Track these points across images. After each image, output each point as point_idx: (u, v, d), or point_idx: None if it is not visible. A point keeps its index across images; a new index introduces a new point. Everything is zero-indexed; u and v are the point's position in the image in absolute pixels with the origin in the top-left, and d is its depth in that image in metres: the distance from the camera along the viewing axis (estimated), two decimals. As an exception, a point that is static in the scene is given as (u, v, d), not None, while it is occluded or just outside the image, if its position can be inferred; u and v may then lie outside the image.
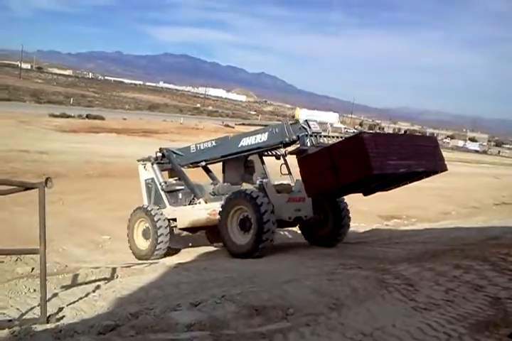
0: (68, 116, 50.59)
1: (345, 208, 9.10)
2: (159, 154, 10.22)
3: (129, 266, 7.93)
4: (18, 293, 5.35)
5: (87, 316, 4.50)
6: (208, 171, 10.56)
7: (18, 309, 4.82)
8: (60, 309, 4.82)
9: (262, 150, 8.78)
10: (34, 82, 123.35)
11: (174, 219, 9.72)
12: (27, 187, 4.70)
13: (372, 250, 8.55)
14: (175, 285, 5.74)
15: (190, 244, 10.71)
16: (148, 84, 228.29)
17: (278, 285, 4.43)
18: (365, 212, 18.71)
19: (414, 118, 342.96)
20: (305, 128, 7.85)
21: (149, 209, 9.71)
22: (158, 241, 9.30)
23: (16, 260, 9.08)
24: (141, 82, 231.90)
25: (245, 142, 8.61)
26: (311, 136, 7.77)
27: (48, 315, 4.34)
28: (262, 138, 8.33)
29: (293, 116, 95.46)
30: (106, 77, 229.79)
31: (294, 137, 7.91)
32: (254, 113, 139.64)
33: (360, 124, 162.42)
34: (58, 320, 4.40)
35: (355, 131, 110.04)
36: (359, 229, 13.67)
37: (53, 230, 11.68)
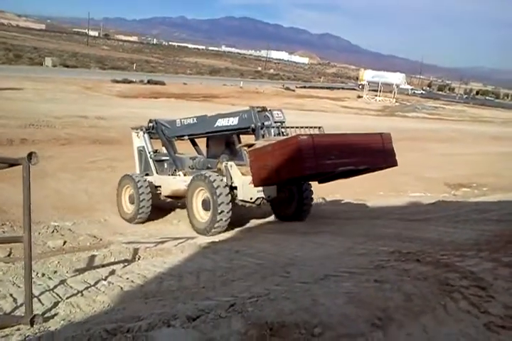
0: (130, 82, 50.88)
1: (308, 188, 9.45)
2: (150, 124, 10.65)
3: (161, 242, 7.32)
4: (24, 277, 4.78)
5: (78, 317, 3.86)
6: (194, 144, 10.93)
7: (14, 300, 4.27)
8: (56, 304, 4.22)
9: (234, 133, 9.17)
10: (101, 48, 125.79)
11: (160, 186, 10.34)
12: (9, 163, 3.98)
13: (435, 230, 7.36)
14: (195, 275, 5.01)
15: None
16: (211, 49, 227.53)
17: (309, 287, 3.54)
18: (432, 179, 17.35)
19: (486, 78, 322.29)
20: (268, 117, 8.26)
21: (134, 176, 10.30)
22: (141, 206, 9.84)
23: (53, 231, 8.73)
24: (203, 47, 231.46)
25: (220, 123, 9.01)
26: (273, 127, 8.21)
27: (34, 314, 3.70)
28: (234, 121, 8.71)
29: (357, 78, 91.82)
30: (170, 43, 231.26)
31: (259, 124, 8.25)
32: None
33: (429, 85, 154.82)
34: (46, 320, 3.77)
35: (423, 92, 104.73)
36: (423, 201, 12.44)
37: (98, 198, 11.42)
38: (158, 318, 2.90)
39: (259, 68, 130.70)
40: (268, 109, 8.58)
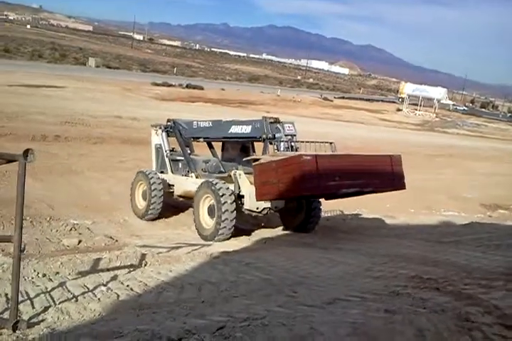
0: (169, 85, 51.42)
1: (316, 200, 9.28)
2: (168, 124, 10.72)
3: (175, 248, 7.09)
4: (23, 277, 4.62)
5: (64, 325, 3.62)
6: (210, 147, 11.12)
7: (7, 300, 4.07)
8: (46, 309, 4.01)
9: (246, 140, 9.30)
10: (144, 52, 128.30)
11: (173, 185, 10.40)
12: (6, 159, 3.81)
13: (463, 254, 6.85)
14: (197, 287, 4.73)
15: (262, 224, 9.92)
16: (252, 56, 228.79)
17: (313, 311, 3.22)
18: (468, 198, 16.67)
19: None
20: (280, 130, 8.25)
21: (147, 173, 10.34)
22: (152, 202, 9.91)
23: (71, 229, 8.64)
24: (244, 54, 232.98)
25: (233, 129, 9.04)
26: (282, 141, 8.19)
27: (17, 319, 3.50)
28: (247, 129, 8.74)
29: (397, 91, 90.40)
30: (212, 49, 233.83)
31: (270, 135, 8.25)
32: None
33: (472, 102, 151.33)
34: (31, 326, 3.56)
35: (465, 108, 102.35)
36: (455, 221, 11.85)
37: (121, 198, 11.33)
38: (139, 337, 2.65)
39: (299, 77, 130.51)
40: (280, 121, 8.51)
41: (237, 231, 9.26)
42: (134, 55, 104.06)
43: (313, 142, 8.26)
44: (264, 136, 8.34)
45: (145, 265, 5.74)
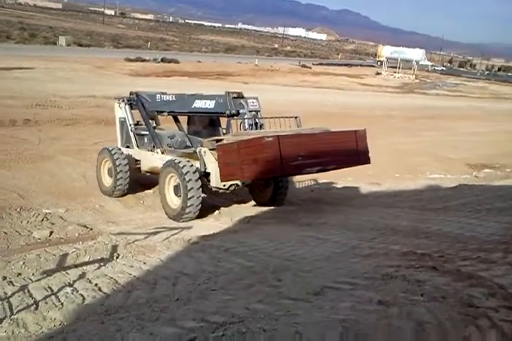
0: (143, 60, 50.06)
1: None
2: (131, 96, 10.33)
3: (153, 233, 6.68)
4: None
5: (20, 340, 3.23)
6: (176, 120, 10.90)
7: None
8: (0, 321, 3.59)
9: (211, 115, 9.17)
10: (116, 27, 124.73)
11: (139, 161, 10.17)
12: None
13: (455, 222, 6.49)
14: (172, 281, 4.34)
15: (234, 199, 9.69)
16: (227, 26, 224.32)
17: (298, 306, 2.85)
18: (452, 159, 16.48)
19: (509, 54, 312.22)
20: (243, 105, 8.07)
21: (111, 149, 10.15)
22: (118, 178, 9.78)
23: (42, 220, 8.15)
24: (220, 24, 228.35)
25: (197, 104, 8.83)
26: (246, 118, 8.02)
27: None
28: (210, 104, 8.54)
29: (375, 54, 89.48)
30: (186, 21, 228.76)
31: (234, 111, 8.08)
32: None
33: (450, 61, 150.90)
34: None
35: (444, 68, 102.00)
36: (442, 184, 11.60)
37: (96, 183, 10.83)
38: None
39: (276, 45, 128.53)
40: (244, 96, 8.27)
41: (216, 210, 8.94)
42: (106, 30, 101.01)
43: (277, 117, 8.12)
44: (227, 112, 8.13)
45: (117, 257, 5.30)
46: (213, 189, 8.34)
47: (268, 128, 8.13)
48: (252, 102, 8.20)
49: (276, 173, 7.36)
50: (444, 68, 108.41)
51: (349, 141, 7.89)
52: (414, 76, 67.30)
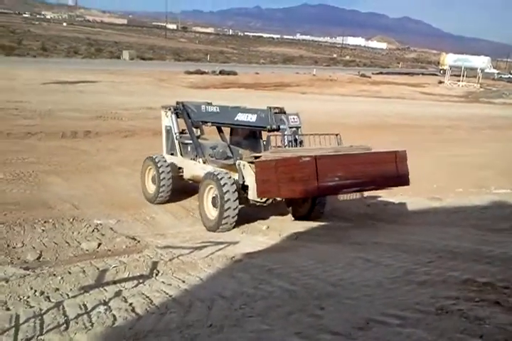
0: (203, 73, 50.90)
1: None
2: (178, 106, 10.62)
3: (199, 248, 6.51)
4: (18, 297, 4.13)
5: None
6: (220, 131, 11.10)
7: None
8: None
9: (252, 129, 9.21)
10: (178, 41, 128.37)
11: (182, 168, 10.42)
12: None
13: None
14: (208, 304, 4.10)
15: None
16: (286, 37, 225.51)
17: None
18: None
19: None
20: (284, 121, 8.08)
21: (155, 157, 10.49)
22: (161, 185, 10.04)
23: (93, 231, 8.21)
24: (278, 36, 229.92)
25: (240, 117, 8.90)
26: (285, 134, 8.05)
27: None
28: (252, 118, 8.59)
29: (438, 63, 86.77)
30: (245, 33, 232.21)
31: (275, 126, 8.12)
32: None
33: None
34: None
35: (511, 76, 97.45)
36: (509, 200, 10.80)
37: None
38: None
39: (335, 55, 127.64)
40: (285, 111, 8.31)
41: (265, 225, 8.70)
42: (168, 44, 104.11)
43: (317, 134, 8.08)
44: (268, 127, 8.20)
45: (156, 274, 5.18)
46: (251, 201, 8.38)
47: (308, 145, 8.15)
48: (293, 118, 8.21)
49: (312, 194, 7.38)
50: (511, 76, 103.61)
51: (389, 161, 7.78)
52: (479, 84, 64.62)
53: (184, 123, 10.47)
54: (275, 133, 8.22)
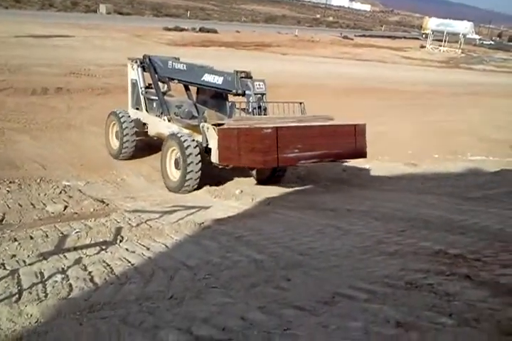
0: (182, 30, 49.38)
1: None
2: (144, 60, 10.21)
3: (169, 212, 6.33)
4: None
5: None
6: (187, 89, 10.77)
7: None
8: None
9: (218, 91, 8.99)
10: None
11: (147, 124, 10.19)
12: None
13: (496, 215, 5.80)
14: (170, 274, 3.95)
15: None
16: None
17: (299, 322, 2.40)
18: (497, 140, 15.46)
19: None
20: (249, 87, 8.00)
21: (118, 112, 10.30)
22: (124, 141, 9.94)
23: (60, 192, 7.93)
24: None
25: (206, 78, 8.76)
26: (250, 101, 7.99)
27: None
28: (218, 80, 8.50)
29: (421, 27, 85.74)
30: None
31: (240, 91, 8.11)
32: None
33: (499, 35, 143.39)
34: None
35: (492, 42, 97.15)
36: (484, 167, 10.81)
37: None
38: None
39: (318, 15, 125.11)
40: (251, 76, 8.19)
41: (238, 189, 8.53)
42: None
43: (282, 102, 8.11)
44: (234, 91, 8.18)
45: (120, 241, 4.97)
46: (214, 164, 8.27)
47: (271, 113, 8.20)
48: (259, 85, 8.10)
49: (271, 164, 7.53)
50: (492, 42, 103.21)
51: (348, 134, 7.89)
52: (460, 50, 64.23)
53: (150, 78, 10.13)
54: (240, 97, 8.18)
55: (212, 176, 8.91)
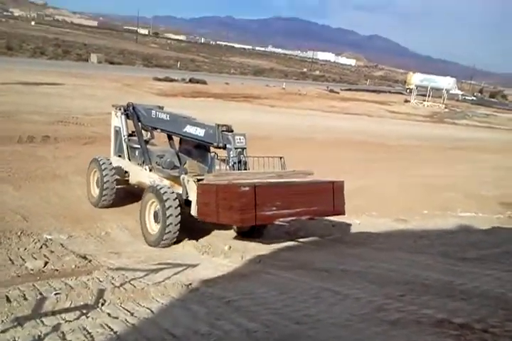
0: (172, 80, 50.26)
1: None
2: (128, 108, 10.24)
3: (154, 270, 6.04)
4: None
5: None
6: (170, 138, 10.79)
7: None
8: None
9: (200, 142, 8.94)
10: (149, 46, 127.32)
11: (128, 173, 10.16)
12: None
13: (495, 280, 5.62)
14: None
15: None
16: (258, 49, 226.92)
17: None
18: (484, 197, 15.48)
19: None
20: (230, 141, 8.00)
21: (100, 159, 10.29)
22: (104, 188, 9.87)
23: (41, 247, 7.59)
24: (250, 47, 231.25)
25: (188, 129, 8.76)
26: (232, 156, 7.99)
27: None
28: (200, 132, 8.50)
29: (405, 81, 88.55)
30: (217, 42, 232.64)
31: (221, 145, 8.14)
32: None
33: (481, 91, 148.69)
34: None
35: (474, 98, 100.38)
36: (474, 224, 10.72)
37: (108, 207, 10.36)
38: None
39: (305, 69, 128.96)
40: (232, 129, 8.22)
41: (227, 245, 8.25)
42: (139, 49, 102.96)
43: (262, 157, 8.13)
44: (215, 144, 8.22)
45: (102, 304, 4.67)
46: (194, 217, 8.13)
47: (252, 167, 8.22)
48: (239, 139, 8.10)
49: (249, 222, 7.32)
50: (474, 98, 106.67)
51: (326, 191, 7.90)
52: (444, 105, 66.10)
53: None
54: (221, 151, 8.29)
55: (197, 229, 8.71)
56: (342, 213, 8.14)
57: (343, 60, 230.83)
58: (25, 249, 7.50)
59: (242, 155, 8.04)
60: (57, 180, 11.73)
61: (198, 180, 7.81)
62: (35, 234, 8.23)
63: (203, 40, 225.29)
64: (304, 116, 34.68)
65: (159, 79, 48.81)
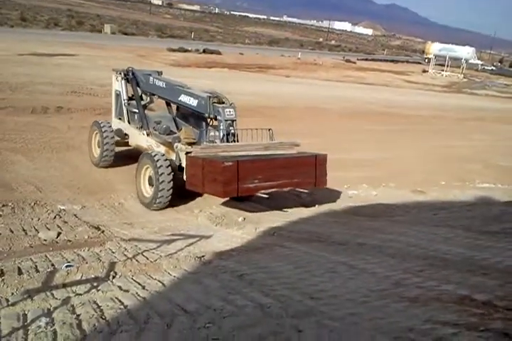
0: (186, 51, 49.67)
1: None
2: (128, 72, 10.38)
3: (167, 241, 5.95)
4: None
5: None
6: (168, 104, 10.83)
7: None
8: None
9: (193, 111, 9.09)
10: (162, 17, 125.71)
11: (128, 135, 10.45)
12: None
13: None
14: (165, 321, 3.53)
15: None
16: (272, 19, 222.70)
17: None
18: (504, 167, 15.13)
19: None
20: (220, 113, 8.27)
21: (100, 122, 10.66)
22: (104, 149, 10.30)
23: (55, 217, 7.55)
24: (265, 17, 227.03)
25: (183, 98, 8.99)
26: (221, 128, 8.31)
27: None
28: (193, 102, 8.73)
29: (423, 51, 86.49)
30: (232, 12, 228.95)
31: (212, 116, 8.41)
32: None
33: (500, 61, 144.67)
34: None
35: (494, 68, 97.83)
36: (494, 195, 10.44)
37: (120, 177, 10.25)
38: None
39: (321, 39, 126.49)
40: (223, 101, 8.46)
41: (241, 216, 8.14)
42: (152, 20, 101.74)
43: (250, 129, 8.41)
44: (206, 115, 8.47)
45: (113, 277, 4.58)
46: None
47: (241, 138, 8.53)
48: (229, 111, 8.33)
49: (232, 195, 7.77)
50: (494, 68, 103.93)
51: (308, 165, 8.19)
52: (462, 75, 64.54)
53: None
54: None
55: (211, 200, 8.66)
56: (324, 184, 8.49)
57: (359, 29, 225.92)
58: (39, 219, 7.47)
59: (231, 127, 8.32)
60: (71, 151, 11.66)
61: (187, 153, 8.07)
62: (49, 204, 8.19)
63: (217, 10, 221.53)
64: (320, 86, 34.09)
65: (173, 50, 48.31)
